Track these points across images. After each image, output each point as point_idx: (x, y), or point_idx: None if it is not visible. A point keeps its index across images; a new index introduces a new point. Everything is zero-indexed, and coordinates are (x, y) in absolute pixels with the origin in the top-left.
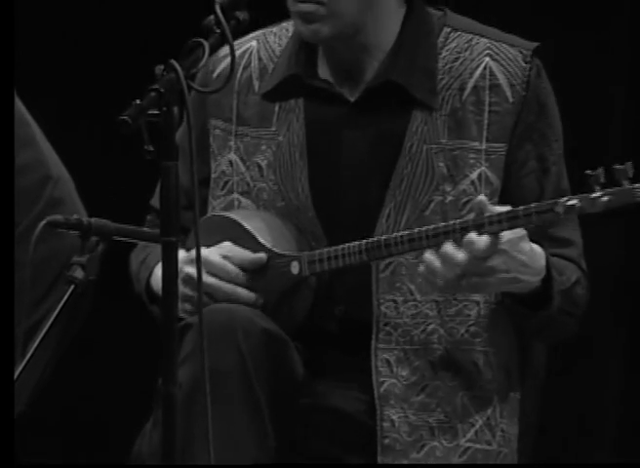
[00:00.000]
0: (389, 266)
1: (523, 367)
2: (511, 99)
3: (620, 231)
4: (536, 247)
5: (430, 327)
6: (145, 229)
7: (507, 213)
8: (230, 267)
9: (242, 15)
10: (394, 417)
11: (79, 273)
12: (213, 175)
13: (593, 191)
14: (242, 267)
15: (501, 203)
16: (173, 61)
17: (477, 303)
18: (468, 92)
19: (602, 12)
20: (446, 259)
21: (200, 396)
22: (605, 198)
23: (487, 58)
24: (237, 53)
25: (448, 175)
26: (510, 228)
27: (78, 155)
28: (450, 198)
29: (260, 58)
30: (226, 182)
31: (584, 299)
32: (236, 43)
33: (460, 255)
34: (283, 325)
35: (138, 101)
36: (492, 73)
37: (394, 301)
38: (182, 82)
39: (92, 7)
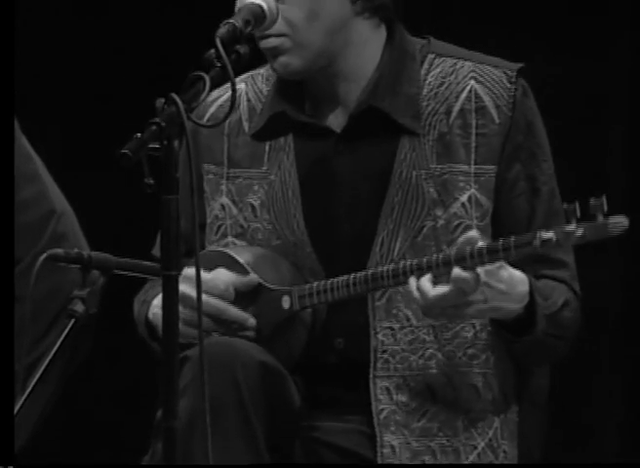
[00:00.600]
0: (385, 294)
1: (520, 389)
2: (498, 120)
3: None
4: (516, 273)
5: (428, 352)
6: (146, 263)
7: (487, 247)
8: (221, 284)
9: (243, 48)
10: (394, 443)
11: (79, 307)
12: (207, 221)
13: (569, 224)
14: (234, 289)
15: (493, 224)
16: (173, 95)
17: (473, 326)
18: (455, 115)
19: (602, 42)
20: (421, 293)
21: (198, 427)
22: (579, 232)
23: (472, 82)
24: (225, 97)
25: (439, 200)
26: (490, 262)
27: (80, 189)
28: (441, 222)
29: (248, 100)
30: (220, 226)
31: (574, 321)
32: (225, 87)
33: (434, 292)
34: (280, 359)
35: (138, 135)
36: (477, 96)
37: (391, 329)
38: (183, 115)
39: (93, 41)
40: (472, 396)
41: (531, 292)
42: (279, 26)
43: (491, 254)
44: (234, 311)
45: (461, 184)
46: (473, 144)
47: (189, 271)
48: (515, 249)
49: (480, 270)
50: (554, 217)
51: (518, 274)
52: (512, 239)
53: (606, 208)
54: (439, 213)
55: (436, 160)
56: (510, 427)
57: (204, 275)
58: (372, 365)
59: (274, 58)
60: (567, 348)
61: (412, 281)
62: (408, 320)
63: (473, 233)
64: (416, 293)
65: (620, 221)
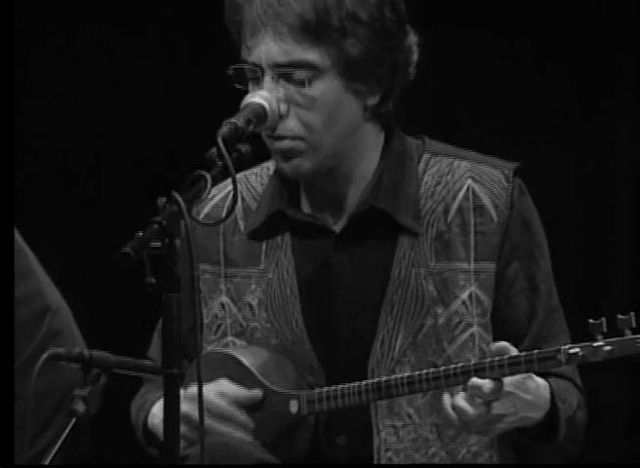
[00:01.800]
0: None
1: None
2: (496, 219)
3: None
4: (540, 381)
5: (432, 450)
6: (147, 362)
7: (509, 358)
8: (224, 407)
9: (244, 147)
10: None
11: (81, 406)
12: (205, 321)
13: (595, 340)
14: (238, 404)
15: (494, 321)
16: (175, 194)
17: None
18: (453, 214)
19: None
20: (458, 413)
21: None
22: (607, 347)
23: (469, 180)
24: (220, 196)
25: (438, 298)
26: (511, 374)
27: (77, 285)
28: (442, 320)
29: (242, 199)
30: (219, 326)
31: (585, 422)
32: (218, 186)
33: (472, 410)
34: (282, 460)
35: (140, 234)
36: (475, 194)
37: (394, 427)
38: (185, 214)
39: (94, 140)
40: None
41: (552, 399)
42: (296, 129)
43: (512, 367)
44: (238, 437)
45: (462, 282)
46: (472, 242)
47: (191, 390)
48: (538, 361)
49: (507, 380)
50: (553, 314)
51: (542, 382)
52: (535, 352)
53: (634, 324)
54: (439, 310)
55: (435, 258)
56: None
57: (208, 398)
58: (375, 463)
59: (286, 159)
60: (577, 450)
61: (446, 398)
62: (410, 417)
63: (504, 343)
64: (452, 413)
65: None
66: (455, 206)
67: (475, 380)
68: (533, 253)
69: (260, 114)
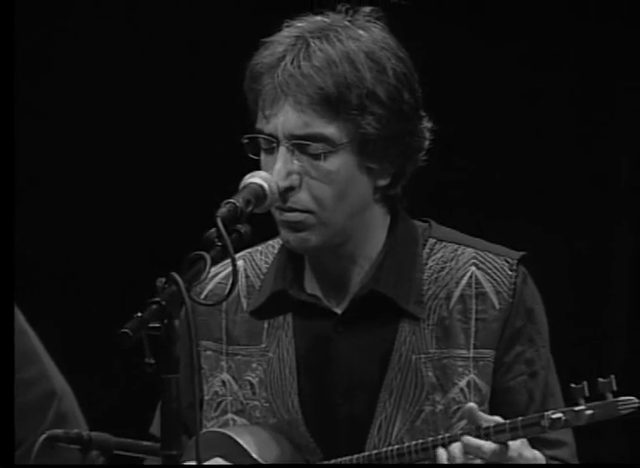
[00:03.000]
0: None
1: None
2: (498, 306)
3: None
4: (536, 452)
5: None
6: (146, 443)
7: (494, 426)
8: None
9: (243, 228)
10: None
11: None
12: (205, 398)
13: (577, 404)
14: None
15: (492, 407)
16: (174, 274)
17: None
18: (455, 300)
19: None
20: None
21: None
22: (589, 411)
23: (472, 268)
24: (224, 273)
25: (437, 385)
26: (497, 442)
27: (79, 369)
28: (440, 407)
29: (247, 276)
30: (220, 403)
31: None
32: (223, 263)
33: (460, 456)
34: None
35: (139, 314)
36: (477, 282)
37: None
38: (184, 295)
39: (92, 220)
40: None
41: None
42: (307, 202)
43: (497, 434)
44: None
45: (460, 369)
46: (473, 329)
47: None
48: (523, 428)
49: (512, 446)
50: (549, 399)
51: (538, 453)
52: (519, 419)
53: (615, 387)
54: (438, 397)
55: (435, 344)
56: None
57: None
58: None
59: (294, 232)
60: None
61: (442, 453)
62: None
63: (470, 404)
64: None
65: (630, 400)
66: (457, 292)
67: (471, 439)
68: (533, 340)
69: (259, 195)
